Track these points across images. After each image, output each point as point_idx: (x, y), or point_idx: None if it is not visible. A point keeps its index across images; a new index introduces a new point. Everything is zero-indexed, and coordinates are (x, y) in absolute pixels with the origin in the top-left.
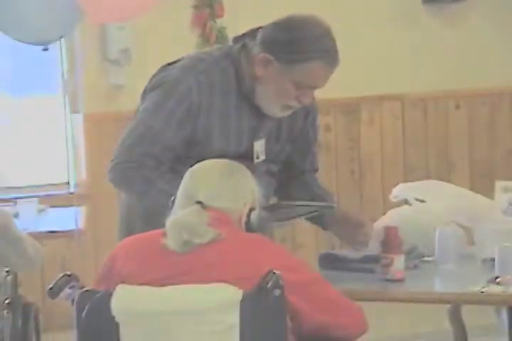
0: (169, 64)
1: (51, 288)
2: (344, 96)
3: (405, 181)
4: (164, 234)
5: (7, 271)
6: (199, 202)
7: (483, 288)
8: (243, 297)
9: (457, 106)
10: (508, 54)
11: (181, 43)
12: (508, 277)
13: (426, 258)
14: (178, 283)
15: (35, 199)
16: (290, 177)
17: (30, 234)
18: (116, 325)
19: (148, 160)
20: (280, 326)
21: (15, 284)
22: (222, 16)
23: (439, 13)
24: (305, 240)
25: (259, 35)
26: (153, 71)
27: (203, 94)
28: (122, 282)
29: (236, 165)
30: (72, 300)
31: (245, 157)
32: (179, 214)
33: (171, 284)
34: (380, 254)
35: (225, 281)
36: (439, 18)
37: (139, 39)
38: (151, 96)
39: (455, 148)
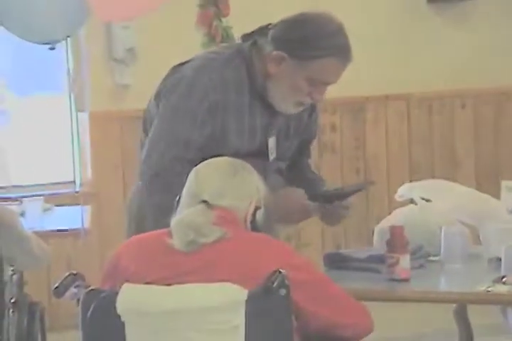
0: (180, 64)
1: (57, 287)
2: (350, 96)
3: (411, 180)
4: (169, 234)
5: (13, 270)
6: (204, 201)
7: (489, 287)
8: (248, 296)
9: (463, 106)
10: None
11: (187, 42)
12: None
13: (431, 258)
14: (183, 282)
15: (40, 198)
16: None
17: (36, 232)
18: (122, 324)
19: (183, 166)
20: (285, 326)
21: (20, 283)
22: (227, 15)
23: (445, 12)
24: (310, 239)
25: (270, 33)
26: (159, 70)
27: (218, 93)
28: (127, 281)
29: (240, 163)
30: (78, 300)
31: (257, 155)
32: (184, 213)
33: (176, 283)
34: (385, 254)
35: (230, 281)
36: (445, 17)
37: (145, 38)
38: (167, 101)
39: (461, 147)
